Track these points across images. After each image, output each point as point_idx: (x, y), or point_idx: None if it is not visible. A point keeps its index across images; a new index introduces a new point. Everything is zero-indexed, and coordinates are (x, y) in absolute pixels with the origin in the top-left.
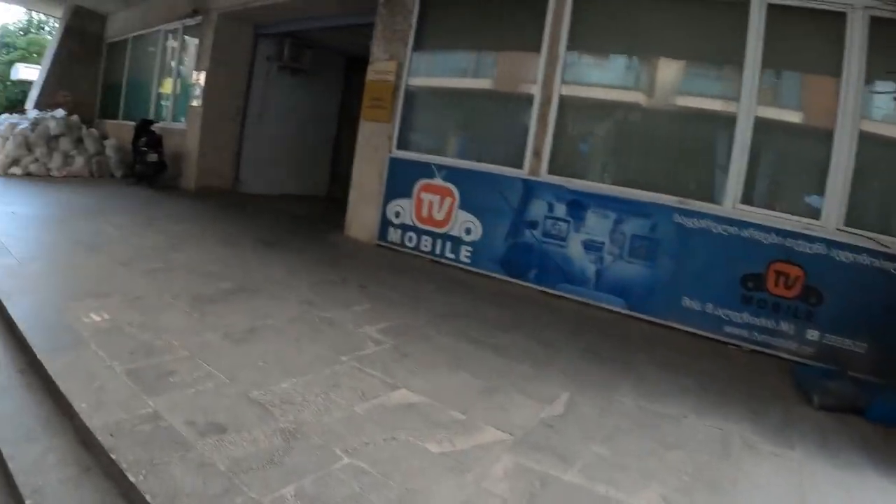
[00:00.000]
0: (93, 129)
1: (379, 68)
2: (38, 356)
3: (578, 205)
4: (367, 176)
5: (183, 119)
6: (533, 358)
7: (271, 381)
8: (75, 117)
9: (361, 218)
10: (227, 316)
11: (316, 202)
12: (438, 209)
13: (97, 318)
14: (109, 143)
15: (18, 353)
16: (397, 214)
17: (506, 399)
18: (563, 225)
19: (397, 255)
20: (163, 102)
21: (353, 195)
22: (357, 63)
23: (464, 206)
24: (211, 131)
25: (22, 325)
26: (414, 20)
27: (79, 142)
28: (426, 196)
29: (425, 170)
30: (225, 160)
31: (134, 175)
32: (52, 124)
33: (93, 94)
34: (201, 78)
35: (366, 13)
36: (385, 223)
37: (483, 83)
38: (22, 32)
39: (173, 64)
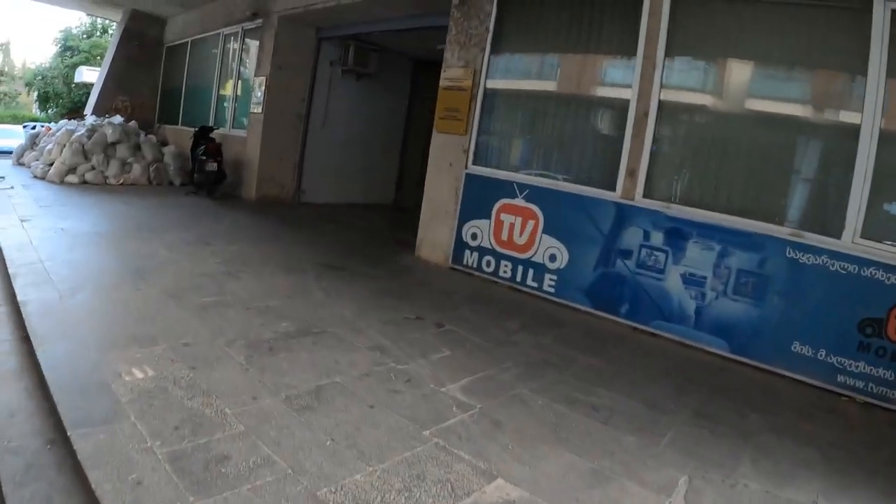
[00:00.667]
0: (151, 136)
1: (453, 76)
2: (68, 432)
3: (678, 233)
4: (440, 192)
5: (244, 126)
6: (639, 425)
7: (343, 471)
8: (133, 123)
9: (434, 237)
10: (289, 371)
11: (382, 212)
12: (520, 232)
13: (140, 375)
14: (168, 150)
15: (49, 419)
16: (474, 236)
17: (619, 490)
18: (660, 255)
19: (474, 282)
20: (223, 108)
21: (426, 212)
22: (424, 66)
23: (548, 230)
24: (272, 139)
25: (53, 384)
26: (491, 23)
27: (136, 149)
28: (506, 217)
29: (505, 188)
30: (286, 169)
31: (192, 183)
32: (108, 131)
33: (153, 98)
34: (262, 83)
35: (437, 15)
36: (460, 245)
37: (569, 91)
38: (85, 35)
39: (233, 68)
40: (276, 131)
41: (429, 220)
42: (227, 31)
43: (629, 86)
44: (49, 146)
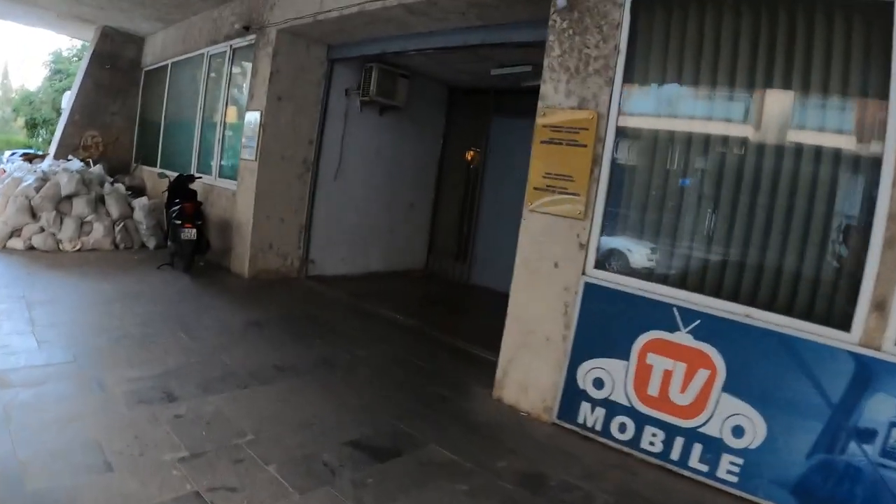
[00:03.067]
0: (119, 184)
1: (559, 121)
2: None
3: None
4: (536, 307)
5: (233, 175)
6: None
7: None
8: (97, 168)
9: (526, 375)
10: None
11: (414, 288)
12: (682, 387)
13: None
14: (140, 204)
15: None
16: (598, 383)
17: None
18: None
19: (598, 455)
20: (207, 149)
21: (511, 335)
22: (464, 94)
23: (732, 387)
24: (270, 194)
25: None
26: (622, 39)
27: (99, 202)
28: (659, 361)
29: (658, 315)
30: (289, 233)
31: (167, 249)
32: (63, 180)
33: (129, 133)
34: (256, 120)
35: (510, 28)
36: (573, 392)
37: (764, 145)
38: (76, 58)
39: (220, 98)
40: (275, 184)
41: (516, 346)
42: (212, 50)
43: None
44: None
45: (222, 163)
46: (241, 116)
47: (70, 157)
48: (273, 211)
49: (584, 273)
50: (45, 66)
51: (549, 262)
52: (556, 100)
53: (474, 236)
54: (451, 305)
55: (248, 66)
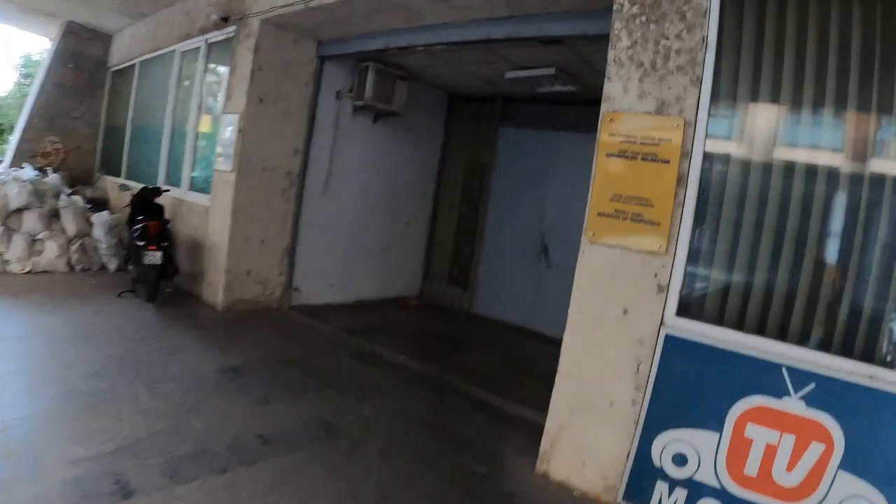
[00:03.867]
0: (77, 197)
1: (633, 129)
2: None
3: None
4: (598, 363)
5: (206, 188)
6: None
7: None
8: (53, 178)
9: (582, 444)
10: None
11: (412, 319)
12: (788, 464)
13: None
14: (99, 220)
15: None
16: (680, 459)
17: None
18: None
19: None
20: (177, 158)
21: (563, 396)
22: (464, 102)
23: (851, 463)
24: (249, 211)
25: None
26: (709, 28)
27: (54, 217)
28: (759, 433)
29: (761, 375)
30: (271, 257)
31: (129, 273)
32: (13, 191)
33: (93, 139)
34: (233, 125)
35: (552, 16)
36: (645, 469)
37: None
38: None
39: (193, 100)
40: (255, 200)
41: (570, 410)
42: (185, 46)
43: None
44: None
45: (194, 174)
46: (215, 121)
47: (23, 164)
48: (252, 231)
49: (662, 322)
50: (16, 69)
51: (617, 307)
52: (625, 102)
53: (477, 259)
54: (459, 342)
55: (225, 70)
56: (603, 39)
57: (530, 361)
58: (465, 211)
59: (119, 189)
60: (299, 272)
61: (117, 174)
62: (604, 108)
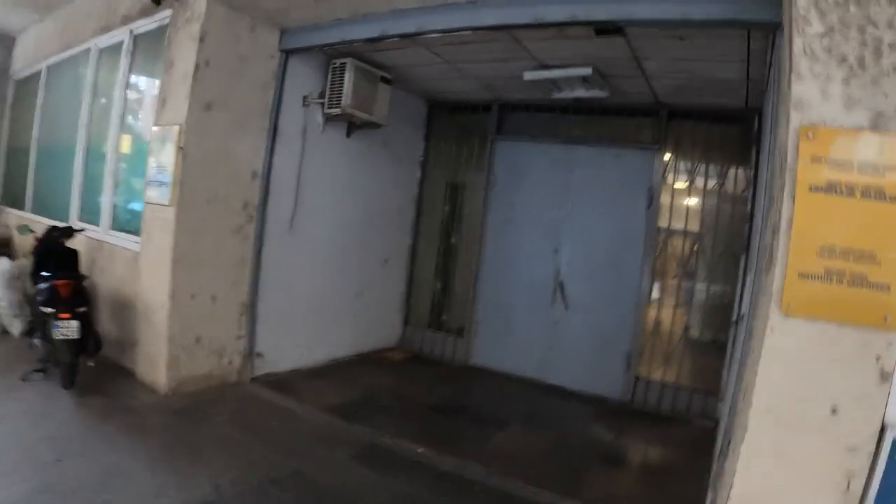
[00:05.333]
0: None
1: (844, 153)
2: None
3: None
4: (790, 480)
5: (135, 228)
6: None
7: None
8: None
9: None
10: None
11: (405, 382)
12: None
13: None
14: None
15: None
16: None
17: None
18: None
19: None
20: (94, 187)
21: None
22: (446, 111)
23: None
24: (195, 257)
25: None
26: None
27: None
28: None
29: None
30: (225, 317)
31: (37, 345)
32: None
33: None
34: (171, 142)
35: None
36: None
37: None
38: None
39: (115, 110)
40: (202, 242)
41: None
42: (103, 41)
43: None
44: None
45: (118, 205)
46: (144, 136)
47: None
48: (200, 284)
49: (886, 424)
50: None
51: (822, 405)
52: (825, 111)
53: (474, 300)
54: (475, 412)
55: (157, 69)
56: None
57: (574, 433)
58: (456, 243)
59: (19, 232)
60: (262, 333)
61: (21, 207)
62: (794, 118)
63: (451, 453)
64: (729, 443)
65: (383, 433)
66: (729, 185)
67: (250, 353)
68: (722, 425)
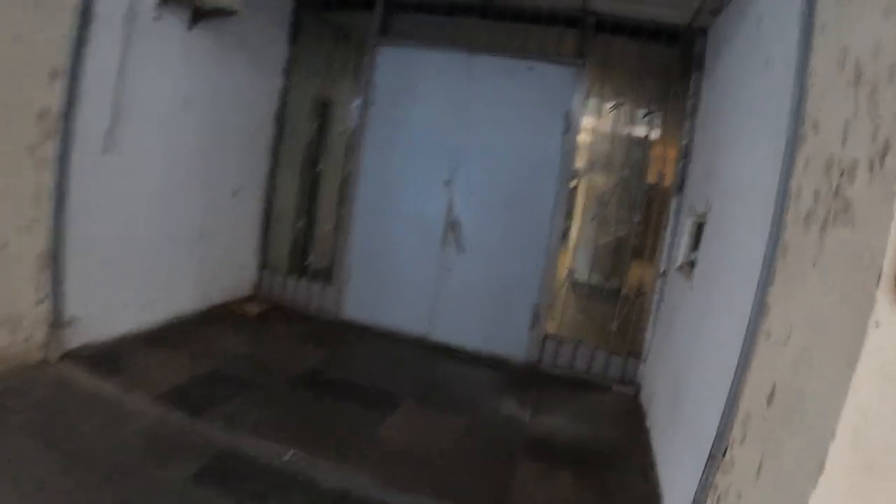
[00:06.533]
0: None
1: None
2: None
3: None
4: None
5: None
6: None
7: None
8: None
9: None
10: None
11: (261, 344)
12: None
13: None
14: None
15: None
16: None
17: None
18: None
19: None
20: None
21: None
22: (314, 12)
23: None
24: None
25: None
26: None
27: None
28: None
29: None
30: (19, 271)
31: None
32: None
33: None
34: None
35: None
36: None
37: None
38: None
39: None
40: None
41: None
42: None
43: None
44: None
45: None
46: None
47: None
48: None
49: None
50: None
51: None
52: None
53: (345, 241)
54: (358, 389)
55: None
56: None
57: (484, 412)
58: (325, 170)
59: None
60: (74, 292)
61: None
62: None
63: (331, 456)
64: (731, 462)
65: (239, 429)
66: (663, 115)
67: (58, 322)
68: (648, 392)
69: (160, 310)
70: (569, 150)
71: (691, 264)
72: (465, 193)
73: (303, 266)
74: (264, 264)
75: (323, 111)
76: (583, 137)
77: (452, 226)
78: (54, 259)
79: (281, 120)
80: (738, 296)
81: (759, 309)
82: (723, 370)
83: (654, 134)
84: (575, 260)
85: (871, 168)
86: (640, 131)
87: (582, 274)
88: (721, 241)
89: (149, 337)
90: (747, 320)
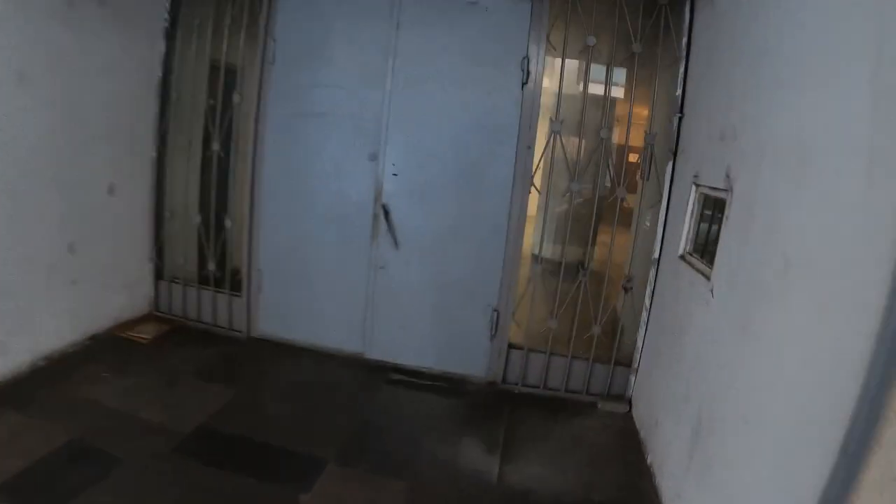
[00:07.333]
0: None
1: None
2: None
3: None
4: None
5: None
6: None
7: None
8: None
9: None
10: None
11: (154, 388)
12: None
13: None
14: None
15: None
16: None
17: None
18: None
19: None
20: None
21: None
22: None
23: None
24: None
25: None
26: None
27: None
28: None
29: None
30: None
31: None
32: None
33: None
34: None
35: None
36: None
37: None
38: None
39: None
40: None
41: None
42: None
43: None
44: None
45: None
46: None
47: None
48: None
49: None
50: None
51: None
52: None
53: (255, 240)
54: (269, 447)
55: None
56: None
57: (438, 471)
58: (232, 152)
59: None
60: None
61: None
62: None
63: None
64: None
65: None
66: (648, 59)
67: None
68: (646, 413)
69: (16, 353)
70: (530, 106)
71: (701, 255)
72: (398, 169)
73: (203, 273)
74: (160, 274)
75: (225, 79)
76: (546, 90)
77: (384, 212)
78: None
79: (165, 93)
80: (828, 329)
81: (892, 357)
82: (812, 440)
83: (633, 84)
84: (542, 246)
85: None
86: (621, 79)
87: (551, 254)
88: (767, 234)
89: (1, 390)
90: (863, 371)
